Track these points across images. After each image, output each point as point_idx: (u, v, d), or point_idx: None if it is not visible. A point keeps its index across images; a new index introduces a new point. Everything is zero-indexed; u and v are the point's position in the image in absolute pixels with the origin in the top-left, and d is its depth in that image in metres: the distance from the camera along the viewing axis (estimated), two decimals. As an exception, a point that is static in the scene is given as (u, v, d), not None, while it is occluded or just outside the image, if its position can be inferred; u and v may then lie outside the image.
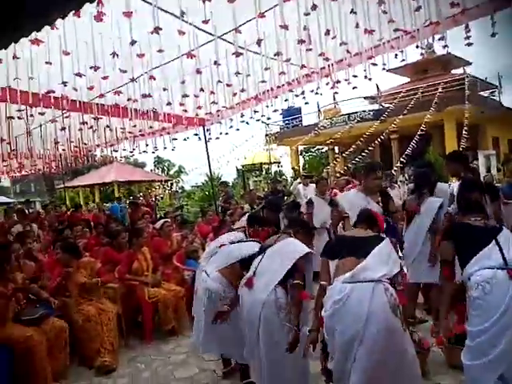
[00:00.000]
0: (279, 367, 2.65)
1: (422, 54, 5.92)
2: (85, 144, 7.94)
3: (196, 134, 7.68)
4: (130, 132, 7.27)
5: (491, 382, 2.27)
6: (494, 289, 2.31)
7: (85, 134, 7.13)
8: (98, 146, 8.65)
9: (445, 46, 5.39)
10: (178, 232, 6.19)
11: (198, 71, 4.69)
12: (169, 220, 6.20)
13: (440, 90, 14.76)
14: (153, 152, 7.74)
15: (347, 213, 3.88)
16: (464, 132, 12.35)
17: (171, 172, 37.49)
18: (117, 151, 8.44)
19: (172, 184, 22.58)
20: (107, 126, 6.54)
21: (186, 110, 6.27)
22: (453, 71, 19.20)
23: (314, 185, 7.12)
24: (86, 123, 6.24)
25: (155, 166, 39.22)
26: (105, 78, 4.49)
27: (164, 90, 5.22)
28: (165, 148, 7.34)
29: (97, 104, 5.90)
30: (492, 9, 4.68)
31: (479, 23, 5.03)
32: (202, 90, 5.23)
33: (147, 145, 7.61)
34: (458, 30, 5.01)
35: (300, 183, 9.44)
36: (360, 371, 2.21)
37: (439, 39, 5.23)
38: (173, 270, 5.41)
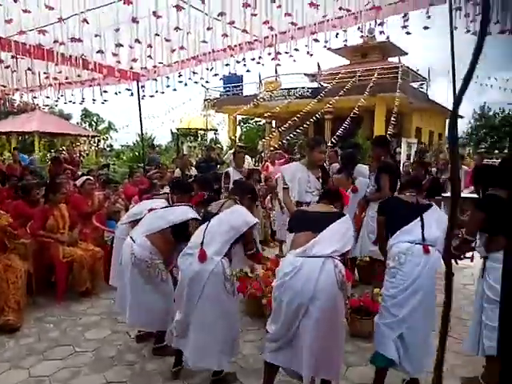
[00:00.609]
0: (216, 335, 2.67)
1: (362, 36, 6.02)
2: (3, 87, 7.15)
3: (129, 89, 7.23)
4: (55, 78, 6.64)
5: (391, 339, 2.55)
6: (407, 260, 2.56)
7: (2, 75, 6.40)
8: (17, 90, 7.81)
9: (381, 32, 5.56)
10: (100, 191, 5.89)
11: (135, 20, 4.36)
12: (91, 178, 5.85)
13: (376, 75, 15.32)
14: (80, 103, 7.12)
15: (287, 184, 3.92)
16: (393, 119, 13.02)
17: (99, 128, 35.34)
18: (36, 98, 7.70)
19: (99, 140, 21.35)
20: (29, 69, 5.91)
21: (119, 62, 5.84)
22: (389, 59, 20.03)
23: (247, 156, 7.14)
24: (2, 61, 5.59)
25: (82, 119, 36.70)
26: (26, 11, 4.01)
27: (96, 36, 4.80)
28: (94, 100, 6.82)
29: (16, 41, 5.28)
30: (428, 3, 4.92)
31: (419, 16, 5.24)
32: (138, 41, 4.89)
33: (73, 95, 7.01)
34: (400, 19, 5.18)
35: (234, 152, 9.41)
36: (305, 338, 2.35)
37: (379, 24, 5.38)
38: (92, 229, 5.16)
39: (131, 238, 3.22)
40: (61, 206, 4.69)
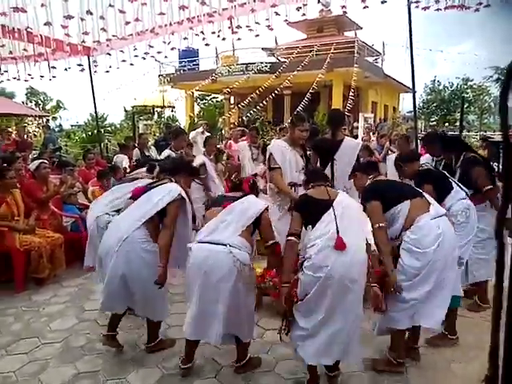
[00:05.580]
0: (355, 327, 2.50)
1: (322, 10, 5.96)
2: None
3: (80, 65, 6.78)
4: (-5, 53, 6.12)
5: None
6: (471, 214, 3.13)
7: None
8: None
9: (342, 7, 5.53)
10: (55, 175, 5.54)
11: (86, -11, 4.06)
12: (46, 161, 5.48)
13: (333, 50, 15.34)
14: (26, 80, 6.65)
15: (278, 164, 3.69)
16: (351, 94, 13.13)
17: (47, 107, 33.36)
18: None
19: (48, 120, 20.16)
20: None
21: (68, 35, 5.43)
22: (345, 33, 20.10)
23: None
24: None
25: (28, 98, 34.49)
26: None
27: (42, 5, 4.41)
28: (41, 77, 6.36)
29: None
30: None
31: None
32: (89, 12, 4.56)
33: (18, 71, 6.48)
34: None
35: (202, 132, 9.08)
36: (438, 292, 2.59)
37: (340, -3, 5.31)
38: (49, 215, 4.89)
39: (211, 242, 2.56)
40: (14, 191, 4.39)
